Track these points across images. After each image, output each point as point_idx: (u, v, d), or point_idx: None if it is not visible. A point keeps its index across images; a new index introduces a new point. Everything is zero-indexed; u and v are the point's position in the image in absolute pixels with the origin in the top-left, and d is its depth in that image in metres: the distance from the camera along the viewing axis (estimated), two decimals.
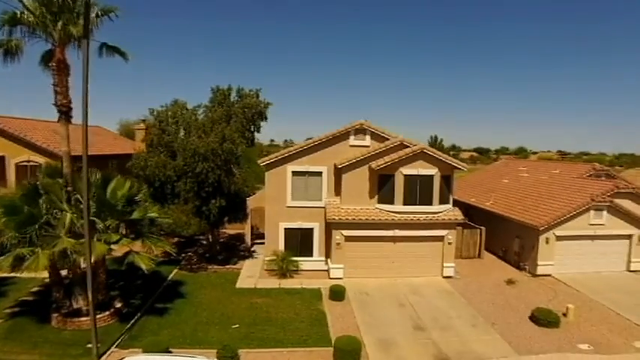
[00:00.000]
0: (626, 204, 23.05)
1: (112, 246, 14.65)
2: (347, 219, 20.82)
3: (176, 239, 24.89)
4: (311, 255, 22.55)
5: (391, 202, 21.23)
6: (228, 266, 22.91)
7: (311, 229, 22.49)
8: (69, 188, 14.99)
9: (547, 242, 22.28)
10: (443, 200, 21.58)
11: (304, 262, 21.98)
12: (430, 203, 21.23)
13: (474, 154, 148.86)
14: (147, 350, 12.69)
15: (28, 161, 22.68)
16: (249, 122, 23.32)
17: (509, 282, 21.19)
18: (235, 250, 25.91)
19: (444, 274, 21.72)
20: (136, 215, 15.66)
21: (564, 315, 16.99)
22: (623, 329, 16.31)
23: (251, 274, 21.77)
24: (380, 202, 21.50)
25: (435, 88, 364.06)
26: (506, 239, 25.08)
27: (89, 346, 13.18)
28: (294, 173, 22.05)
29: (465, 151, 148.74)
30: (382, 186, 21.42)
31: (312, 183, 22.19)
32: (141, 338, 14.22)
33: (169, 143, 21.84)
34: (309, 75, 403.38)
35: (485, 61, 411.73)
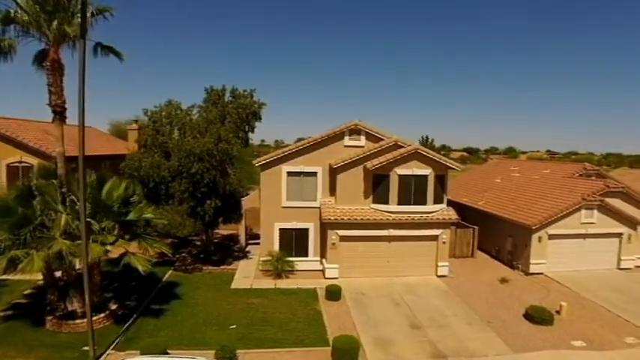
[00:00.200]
0: (617, 203, 23.50)
1: (108, 247, 14.52)
2: (342, 219, 20.88)
3: (170, 240, 24.71)
4: (306, 255, 22.60)
5: (386, 202, 21.34)
6: (222, 267, 22.86)
7: (306, 230, 22.54)
8: (64, 189, 14.85)
9: (539, 241, 22.57)
10: (437, 200, 21.76)
11: (299, 263, 22.02)
12: (424, 203, 21.39)
13: (464, 154, 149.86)
14: (145, 352, 12.60)
15: (20, 162, 22.36)
16: (244, 122, 23.25)
17: (503, 281, 21.44)
18: (229, 251, 25.85)
19: (439, 273, 21.90)
20: (132, 216, 15.55)
21: (558, 313, 17.27)
22: (614, 326, 16.63)
23: (246, 274, 21.74)
24: (375, 202, 21.61)
25: (423, 87, 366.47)
26: (499, 238, 25.35)
27: (85, 348, 13.05)
28: (289, 173, 22.07)
29: (455, 150, 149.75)
30: (377, 186, 21.52)
31: (307, 183, 22.23)
32: (137, 340, 14.17)
33: (164, 144, 21.74)
34: (298, 75, 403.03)
35: (472, 61, 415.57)
